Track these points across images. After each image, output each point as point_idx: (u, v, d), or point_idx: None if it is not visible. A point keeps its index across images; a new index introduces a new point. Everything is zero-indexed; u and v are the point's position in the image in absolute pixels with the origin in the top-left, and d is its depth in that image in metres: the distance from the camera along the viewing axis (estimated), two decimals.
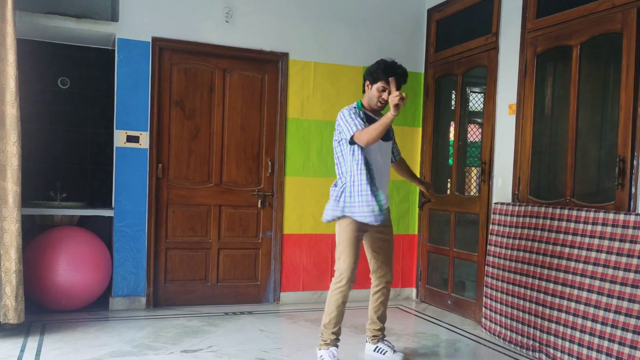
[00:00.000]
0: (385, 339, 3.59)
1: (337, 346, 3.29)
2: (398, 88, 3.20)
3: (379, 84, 3.22)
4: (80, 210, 4.37)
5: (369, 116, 3.29)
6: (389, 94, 3.17)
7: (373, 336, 3.56)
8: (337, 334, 3.30)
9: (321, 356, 3.26)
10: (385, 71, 3.19)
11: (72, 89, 4.83)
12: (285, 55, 4.83)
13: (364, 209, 3.15)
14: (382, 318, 3.54)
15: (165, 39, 4.50)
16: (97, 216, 4.50)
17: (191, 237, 4.70)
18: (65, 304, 4.17)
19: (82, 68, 4.84)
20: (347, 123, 3.18)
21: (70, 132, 4.84)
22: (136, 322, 4.11)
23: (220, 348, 3.60)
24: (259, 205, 4.85)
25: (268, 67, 4.85)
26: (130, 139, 4.43)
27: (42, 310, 4.19)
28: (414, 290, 5.31)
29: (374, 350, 3.54)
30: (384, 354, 3.50)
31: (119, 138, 4.41)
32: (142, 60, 4.44)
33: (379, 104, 3.26)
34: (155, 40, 4.47)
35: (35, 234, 4.24)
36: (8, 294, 3.61)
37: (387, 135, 3.33)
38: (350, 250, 3.24)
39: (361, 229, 3.27)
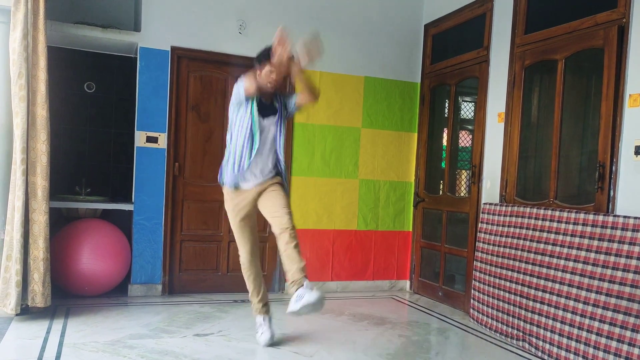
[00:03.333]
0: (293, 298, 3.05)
1: (267, 314, 3.40)
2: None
3: (267, 68, 3.20)
4: (103, 204, 4.36)
5: (260, 101, 3.29)
6: (277, 75, 3.20)
7: (292, 281, 3.09)
8: (262, 301, 3.41)
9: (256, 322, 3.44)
10: (267, 52, 3.18)
11: (97, 93, 4.82)
12: None
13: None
14: (291, 259, 3.09)
15: (183, 48, 4.49)
16: (119, 210, 4.48)
17: (204, 230, 4.68)
18: (88, 289, 4.16)
19: (106, 74, 4.83)
20: (237, 87, 3.20)
21: (95, 133, 4.83)
22: (152, 308, 4.11)
23: (229, 332, 3.60)
24: None
25: None
26: (149, 139, 4.42)
27: (67, 295, 4.18)
28: (408, 283, 5.29)
29: (295, 293, 3.04)
30: (296, 299, 2.99)
31: (140, 139, 4.40)
32: (161, 67, 4.43)
33: (268, 85, 3.23)
34: (174, 49, 4.46)
35: (61, 225, 4.23)
36: (36, 280, 3.61)
37: (270, 110, 3.31)
38: (239, 240, 3.37)
39: (239, 210, 3.31)
